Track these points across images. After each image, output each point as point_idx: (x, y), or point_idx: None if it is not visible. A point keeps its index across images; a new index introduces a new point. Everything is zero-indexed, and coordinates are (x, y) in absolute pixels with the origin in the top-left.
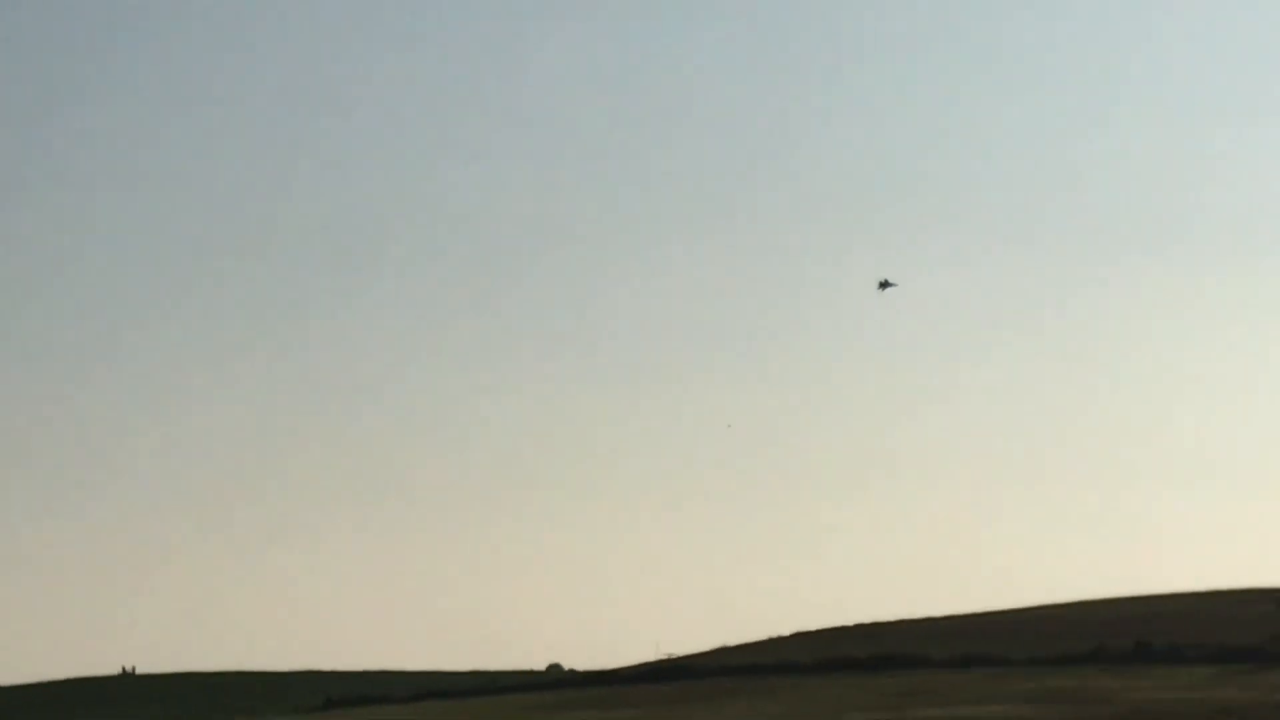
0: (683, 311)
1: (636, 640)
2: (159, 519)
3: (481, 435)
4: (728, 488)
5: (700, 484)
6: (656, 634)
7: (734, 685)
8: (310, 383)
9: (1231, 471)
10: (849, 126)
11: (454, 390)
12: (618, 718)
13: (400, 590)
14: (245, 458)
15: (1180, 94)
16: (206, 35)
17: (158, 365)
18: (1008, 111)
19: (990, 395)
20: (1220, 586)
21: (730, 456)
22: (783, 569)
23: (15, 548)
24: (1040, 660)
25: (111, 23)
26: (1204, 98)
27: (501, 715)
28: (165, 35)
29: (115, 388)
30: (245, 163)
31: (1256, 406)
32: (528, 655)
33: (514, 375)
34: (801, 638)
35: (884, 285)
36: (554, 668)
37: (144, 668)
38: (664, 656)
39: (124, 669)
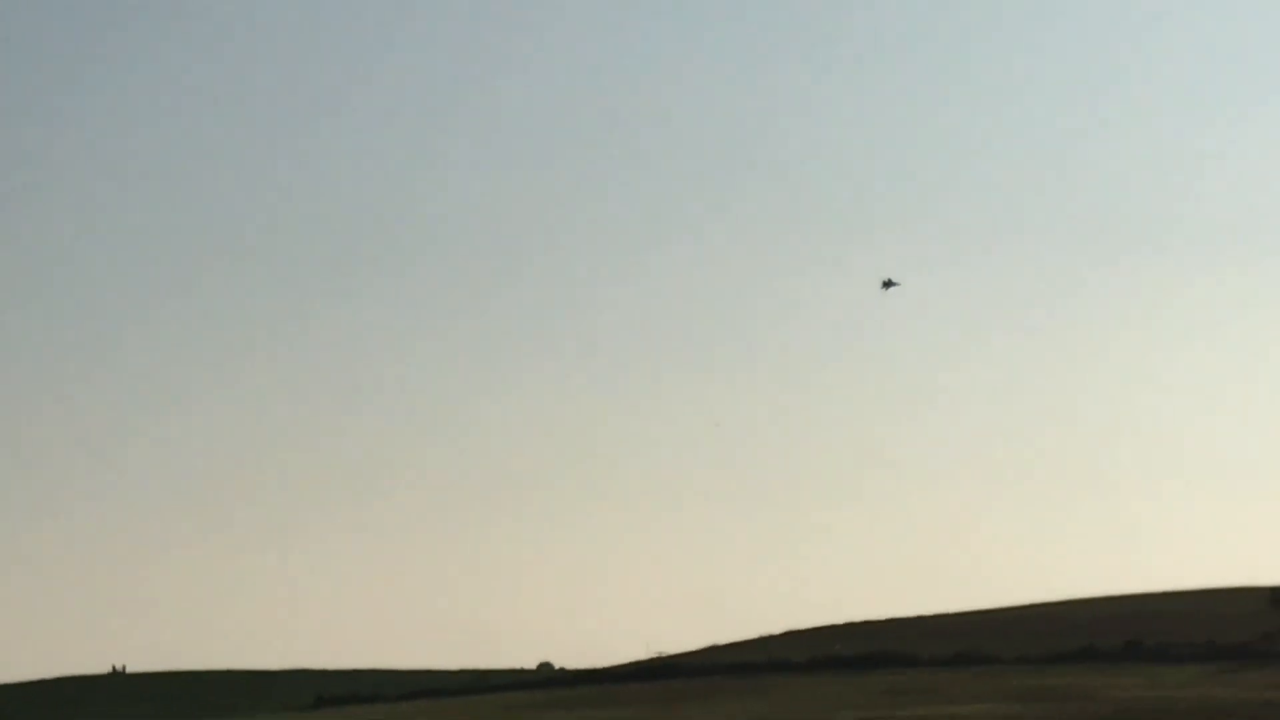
0: (674, 312)
1: (627, 639)
2: (149, 518)
3: (472, 435)
4: (719, 486)
5: (691, 483)
6: (647, 632)
7: (725, 684)
8: (301, 383)
9: (1222, 470)
10: (845, 126)
11: (444, 390)
12: (609, 716)
13: (390, 589)
14: (236, 457)
15: (1182, 94)
16: (202, 35)
17: (148, 365)
18: (1008, 111)
19: (981, 395)
20: (1210, 585)
21: (721, 455)
22: (774, 567)
23: (5, 547)
24: (1030, 658)
25: (106, 22)
26: (1206, 98)
27: (492, 714)
28: (161, 34)
29: (105, 387)
30: (240, 162)
31: (1247, 405)
32: (518, 654)
33: (505, 375)
34: (793, 636)
35: (887, 285)
36: (545, 666)
37: (134, 666)
38: (655, 655)
39: (114, 667)
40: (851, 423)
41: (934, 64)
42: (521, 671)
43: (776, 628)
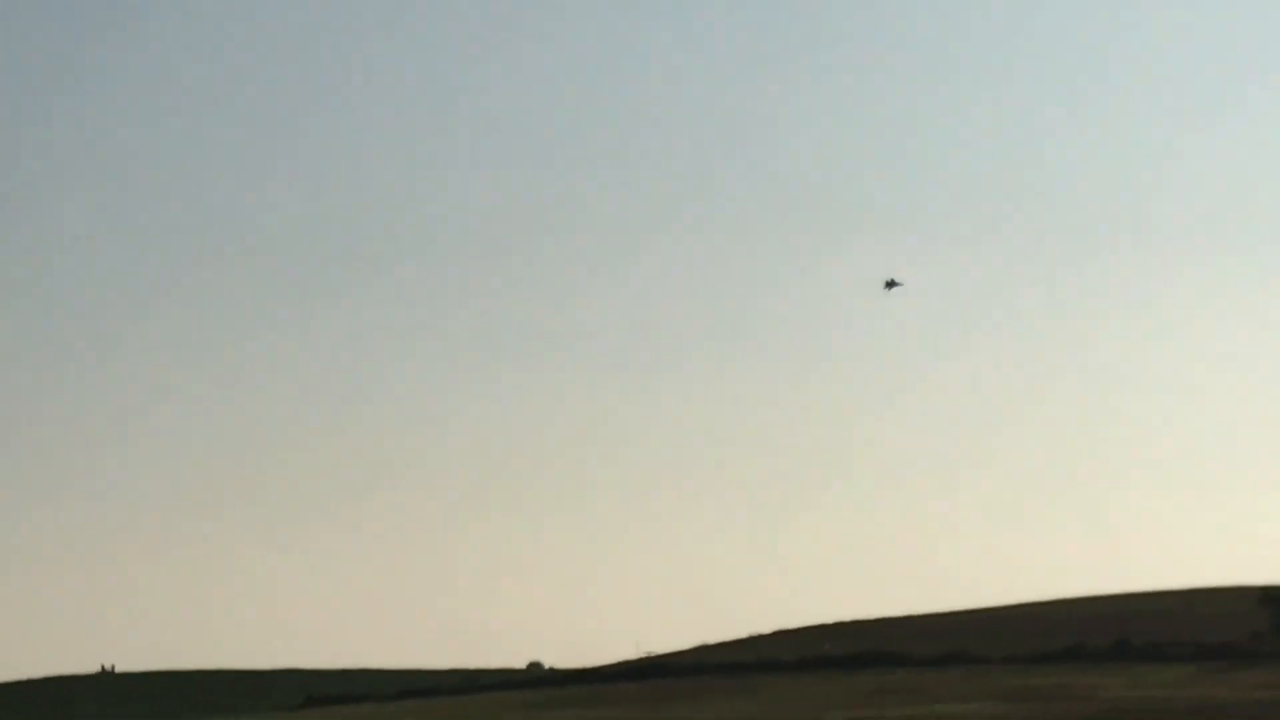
0: (665, 313)
1: (617, 638)
2: (139, 518)
3: (462, 437)
4: (709, 487)
5: (681, 483)
6: (637, 632)
7: (714, 683)
8: (292, 383)
9: (1209, 471)
10: (844, 125)
11: (434, 393)
12: (598, 716)
13: (380, 589)
14: (226, 459)
15: (1182, 95)
16: (195, 34)
17: (139, 364)
18: (1007, 111)
19: (971, 395)
20: (1199, 585)
21: (712, 455)
22: (763, 568)
23: None
24: (1019, 658)
25: (101, 21)
26: (1209, 99)
27: (482, 713)
28: (156, 33)
29: (95, 387)
30: (235, 162)
31: (1235, 406)
32: (508, 654)
33: (495, 377)
34: (782, 636)
35: (890, 285)
36: (534, 666)
37: (123, 666)
38: (644, 655)
39: (103, 667)
40: (840, 424)
41: (934, 63)
42: (511, 671)
43: (766, 627)
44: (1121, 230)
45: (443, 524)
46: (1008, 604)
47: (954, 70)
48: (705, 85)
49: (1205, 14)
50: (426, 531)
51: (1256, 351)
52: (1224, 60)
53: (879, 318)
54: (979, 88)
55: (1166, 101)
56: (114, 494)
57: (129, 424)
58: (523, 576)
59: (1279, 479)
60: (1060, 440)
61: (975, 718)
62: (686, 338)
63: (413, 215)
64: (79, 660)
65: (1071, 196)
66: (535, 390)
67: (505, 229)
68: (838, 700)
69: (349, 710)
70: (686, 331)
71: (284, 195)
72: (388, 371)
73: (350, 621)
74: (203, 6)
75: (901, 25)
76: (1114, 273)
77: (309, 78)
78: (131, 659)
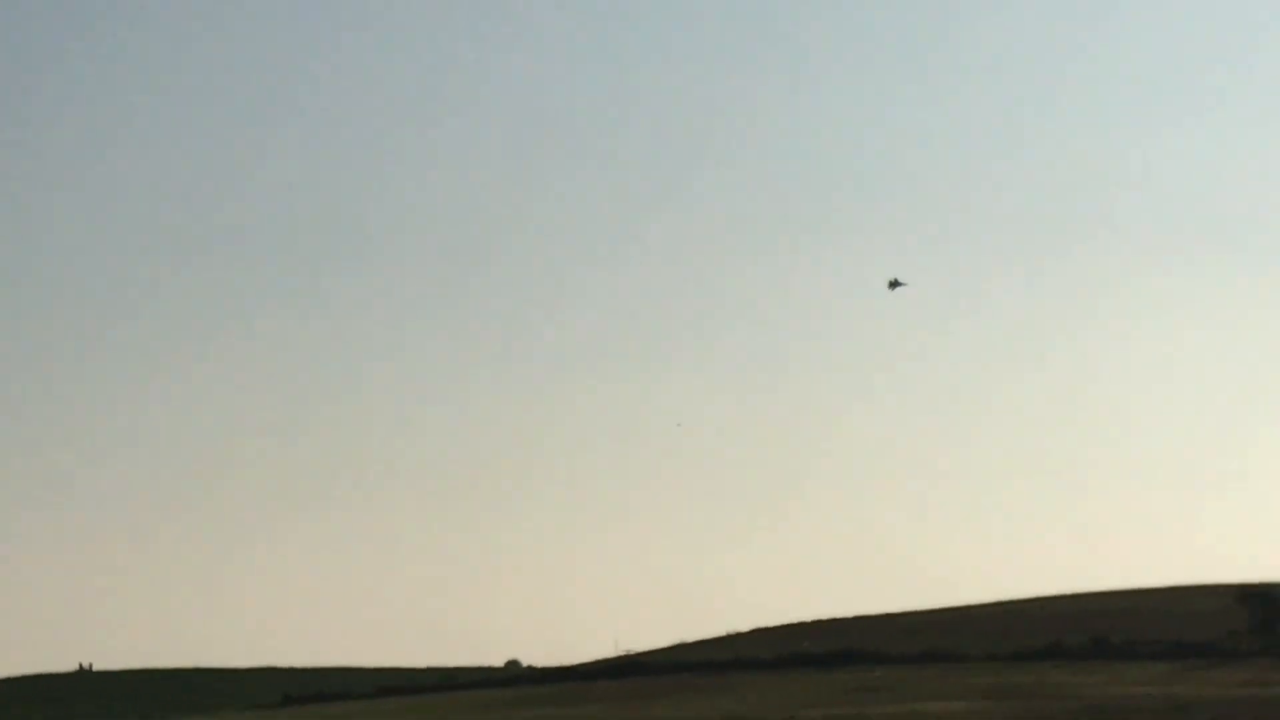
0: (642, 310)
1: (595, 637)
2: (115, 514)
3: (438, 434)
4: (686, 483)
5: (658, 480)
6: (615, 630)
7: (693, 681)
8: (268, 382)
9: (1188, 468)
10: (843, 125)
11: (410, 390)
12: (576, 714)
13: (358, 587)
14: (204, 456)
15: (1185, 95)
16: (187, 32)
17: (114, 361)
18: (1007, 111)
19: (947, 395)
20: (1177, 582)
21: (688, 452)
22: (741, 565)
23: None
24: (997, 656)
25: (92, 20)
26: (1211, 99)
27: (460, 712)
28: (147, 32)
29: (70, 382)
30: (223, 158)
31: (1215, 403)
32: (486, 652)
33: (471, 373)
34: (760, 634)
35: (893, 284)
36: (512, 664)
37: (101, 664)
38: (623, 653)
39: (80, 665)
40: (818, 421)
41: (934, 62)
42: (489, 669)
43: (744, 625)
44: (1096, 230)
45: (420, 522)
46: (987, 602)
47: (954, 69)
48: (704, 83)
49: (1207, 14)
50: (404, 530)
51: (1235, 350)
52: (1224, 60)
53: (857, 317)
54: (982, 88)
55: (1182, 103)
56: (90, 491)
57: (105, 422)
58: (500, 575)
59: (1257, 477)
60: (1039, 439)
61: (954, 716)
62: (663, 336)
63: (400, 213)
64: (56, 658)
65: (1058, 193)
66: (511, 389)
67: (490, 227)
68: (816, 698)
69: (327, 709)
70: (663, 330)
71: (275, 193)
72: (363, 371)
73: (328, 620)
74: (200, 6)
75: (901, 24)
76: (1092, 271)
77: (290, 76)
78: (109, 657)
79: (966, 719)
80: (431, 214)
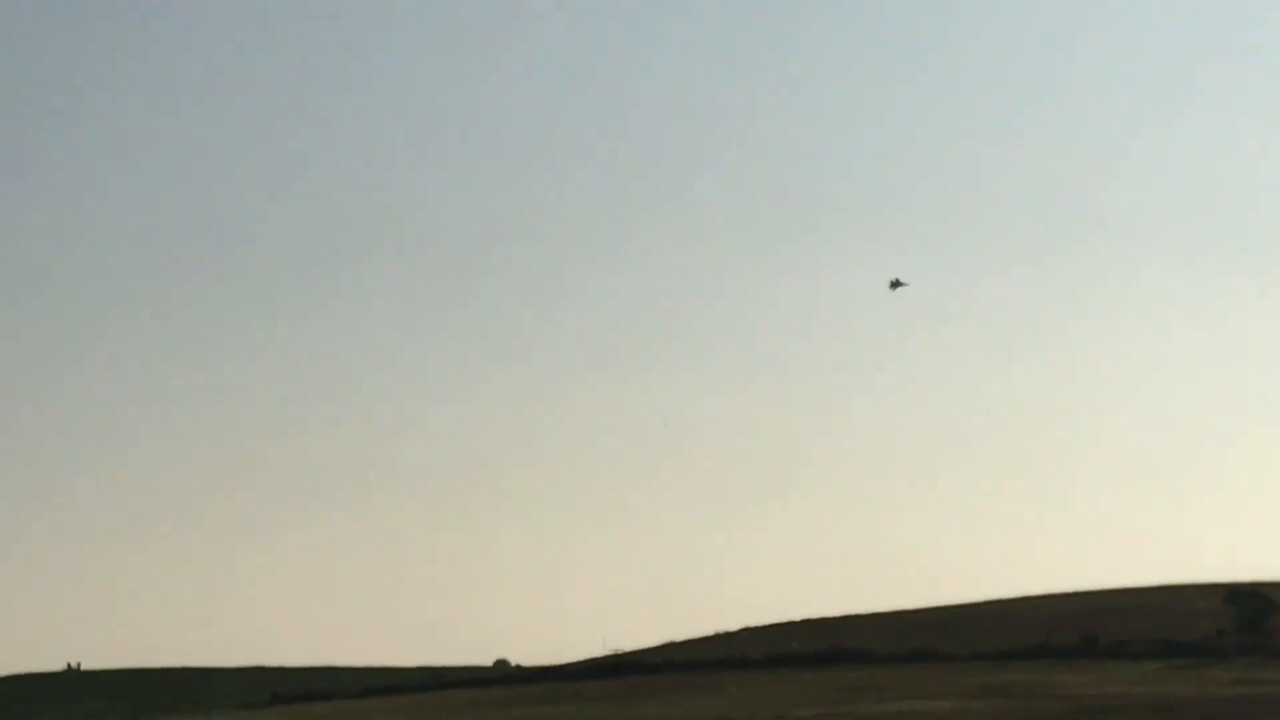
0: (631, 311)
1: (584, 636)
2: (104, 515)
3: (427, 434)
4: (675, 484)
5: (648, 480)
6: (604, 630)
7: (682, 681)
8: (256, 383)
9: (1177, 468)
10: (841, 124)
11: (399, 391)
12: (566, 713)
13: (347, 587)
14: (191, 454)
15: (1187, 96)
16: (183, 32)
17: (106, 360)
18: (1007, 111)
19: (935, 394)
20: (1166, 582)
21: (678, 453)
22: (731, 565)
23: None
24: (986, 655)
25: (90, 20)
26: (1213, 99)
27: (449, 711)
28: (147, 32)
29: (59, 383)
30: (223, 158)
31: (1204, 404)
32: (475, 651)
33: (460, 376)
34: (750, 633)
35: (895, 285)
36: (501, 663)
37: (89, 664)
38: (611, 652)
39: (69, 665)
40: (808, 422)
41: (934, 62)
42: (478, 669)
43: (733, 625)
44: (1080, 235)
45: (408, 523)
46: (975, 601)
47: (954, 69)
48: (704, 84)
49: (1206, 15)
50: (392, 530)
51: (1223, 352)
52: (1224, 60)
53: (845, 317)
54: (981, 88)
55: (1184, 103)
56: (79, 491)
57: (93, 421)
58: (489, 574)
59: (1245, 477)
60: (1028, 440)
61: (944, 715)
62: (653, 337)
63: (400, 213)
64: (45, 658)
65: (1044, 197)
66: (500, 391)
67: (487, 228)
68: (806, 697)
69: (315, 708)
70: (653, 331)
71: (275, 194)
72: (352, 372)
73: (317, 619)
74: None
75: (901, 24)
76: (1079, 273)
77: (290, 76)
78: (98, 657)
79: (956, 718)
80: (431, 214)
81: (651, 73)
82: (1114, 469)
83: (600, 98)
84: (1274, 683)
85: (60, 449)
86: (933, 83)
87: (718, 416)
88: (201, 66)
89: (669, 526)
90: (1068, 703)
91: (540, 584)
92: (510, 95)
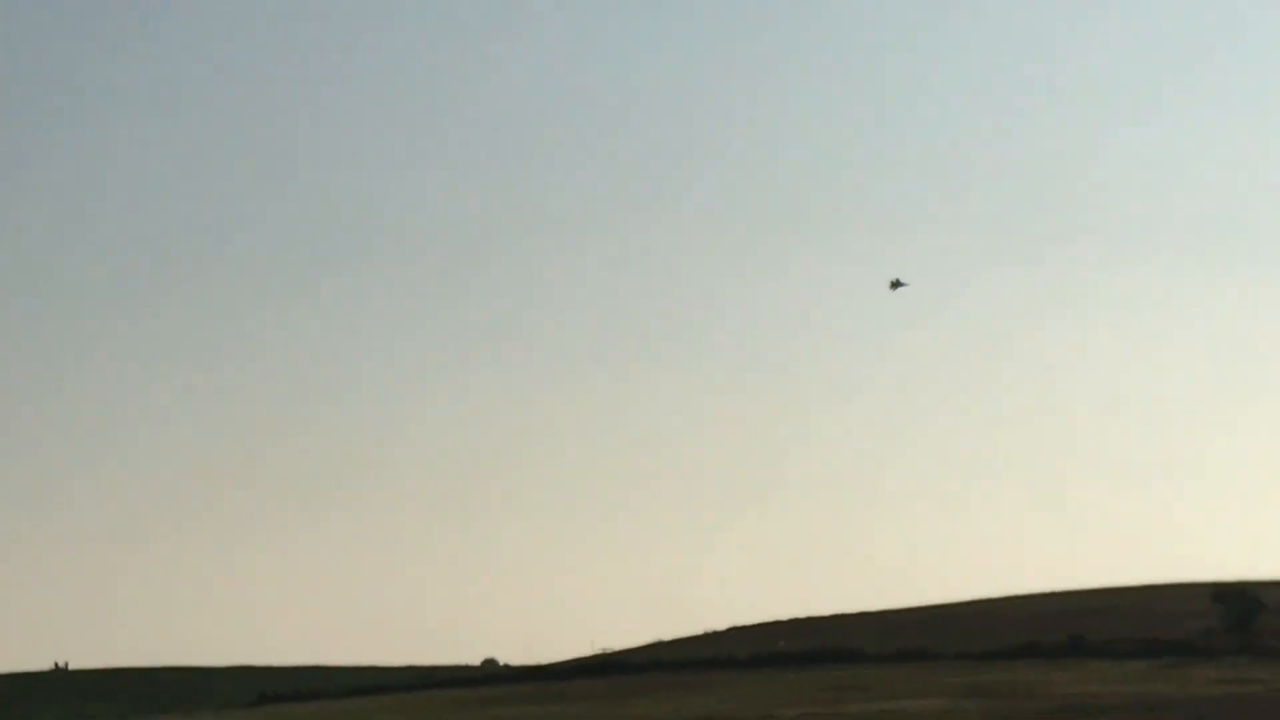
0: (632, 309)
1: (572, 635)
2: (92, 514)
3: (416, 434)
4: (662, 483)
5: (636, 479)
6: (592, 629)
7: (670, 680)
8: (245, 382)
9: (1164, 467)
10: (840, 123)
11: (388, 390)
12: (553, 713)
13: (334, 585)
14: (177, 455)
15: (1188, 96)
16: (183, 32)
17: (94, 360)
18: (1007, 111)
19: (923, 395)
20: (1153, 581)
21: (666, 451)
22: (718, 564)
23: None
24: (973, 654)
25: (90, 20)
26: (1213, 99)
27: (437, 711)
28: (147, 32)
29: (48, 384)
30: (222, 158)
31: (1190, 402)
32: (463, 650)
33: (449, 375)
34: (737, 632)
35: (895, 285)
36: (489, 663)
37: (76, 663)
38: (599, 651)
39: (56, 664)
40: (796, 420)
41: (934, 62)
42: (466, 668)
43: (721, 624)
44: (1065, 237)
45: (397, 522)
46: (962, 600)
47: (954, 69)
48: (704, 83)
49: (1204, 16)
50: (380, 529)
51: (1212, 352)
52: (1223, 60)
53: (834, 315)
54: (981, 88)
55: (1185, 103)
56: (66, 490)
57: (82, 421)
58: (477, 573)
59: (1232, 476)
60: (1015, 440)
61: (931, 714)
62: (645, 337)
63: (400, 213)
64: (32, 657)
65: (1046, 193)
66: (489, 391)
67: (485, 228)
68: (793, 696)
69: (302, 708)
70: (645, 331)
71: (275, 194)
72: (342, 371)
73: (304, 619)
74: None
75: (901, 24)
76: (1068, 273)
77: (290, 76)
78: (85, 656)
79: (943, 718)
80: (430, 214)
81: (651, 72)
82: (1101, 468)
83: (599, 97)
84: (1262, 682)
85: (46, 449)
86: (932, 83)
87: (706, 416)
88: (201, 66)
89: (657, 526)
90: (1055, 702)
91: (528, 583)
92: (509, 94)
